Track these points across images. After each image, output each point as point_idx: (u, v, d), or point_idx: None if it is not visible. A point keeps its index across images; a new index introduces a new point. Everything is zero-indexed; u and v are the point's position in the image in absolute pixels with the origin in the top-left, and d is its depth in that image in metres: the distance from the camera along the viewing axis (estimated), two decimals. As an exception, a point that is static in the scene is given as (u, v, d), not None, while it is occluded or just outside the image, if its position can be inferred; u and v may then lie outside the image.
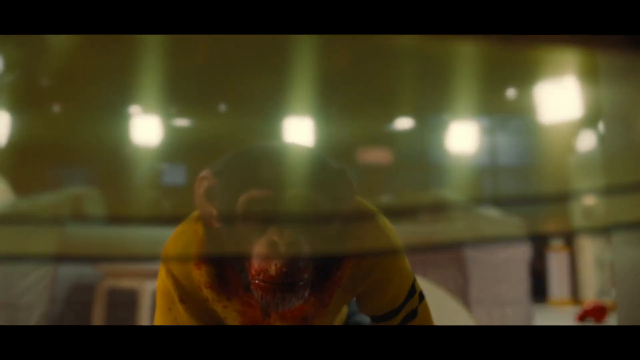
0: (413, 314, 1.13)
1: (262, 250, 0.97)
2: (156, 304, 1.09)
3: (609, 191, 0.76)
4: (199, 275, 1.05)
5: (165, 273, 1.08)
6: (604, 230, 1.18)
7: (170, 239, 1.10)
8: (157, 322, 1.09)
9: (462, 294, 3.24)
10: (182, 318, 1.06)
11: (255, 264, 0.97)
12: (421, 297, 1.15)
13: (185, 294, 1.06)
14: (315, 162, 1.04)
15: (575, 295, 5.97)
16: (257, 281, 0.97)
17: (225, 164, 1.03)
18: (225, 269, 1.05)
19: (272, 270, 0.97)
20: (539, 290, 5.70)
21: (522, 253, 3.33)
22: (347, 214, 1.08)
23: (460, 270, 3.23)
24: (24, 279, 2.99)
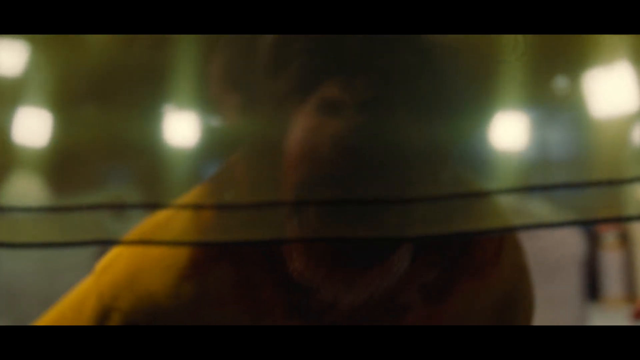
0: None
1: (306, 123, 0.50)
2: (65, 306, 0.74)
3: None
4: (218, 276, 0.61)
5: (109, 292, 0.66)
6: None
7: (140, 230, 0.63)
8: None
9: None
10: None
11: (295, 161, 0.49)
12: None
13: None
14: None
15: (632, 293, 5.74)
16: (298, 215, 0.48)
17: None
18: (250, 266, 0.60)
19: (326, 152, 0.48)
20: (592, 288, 5.49)
21: (576, 253, 3.18)
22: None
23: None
24: (66, 274, 3.01)
